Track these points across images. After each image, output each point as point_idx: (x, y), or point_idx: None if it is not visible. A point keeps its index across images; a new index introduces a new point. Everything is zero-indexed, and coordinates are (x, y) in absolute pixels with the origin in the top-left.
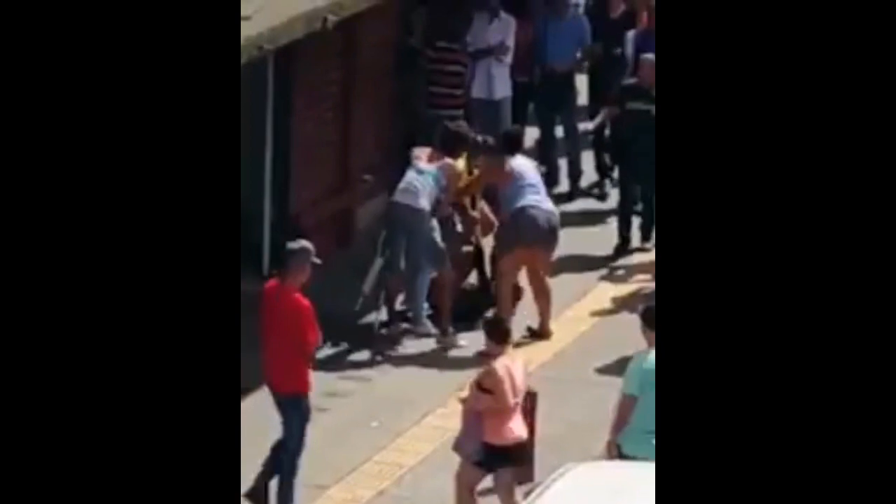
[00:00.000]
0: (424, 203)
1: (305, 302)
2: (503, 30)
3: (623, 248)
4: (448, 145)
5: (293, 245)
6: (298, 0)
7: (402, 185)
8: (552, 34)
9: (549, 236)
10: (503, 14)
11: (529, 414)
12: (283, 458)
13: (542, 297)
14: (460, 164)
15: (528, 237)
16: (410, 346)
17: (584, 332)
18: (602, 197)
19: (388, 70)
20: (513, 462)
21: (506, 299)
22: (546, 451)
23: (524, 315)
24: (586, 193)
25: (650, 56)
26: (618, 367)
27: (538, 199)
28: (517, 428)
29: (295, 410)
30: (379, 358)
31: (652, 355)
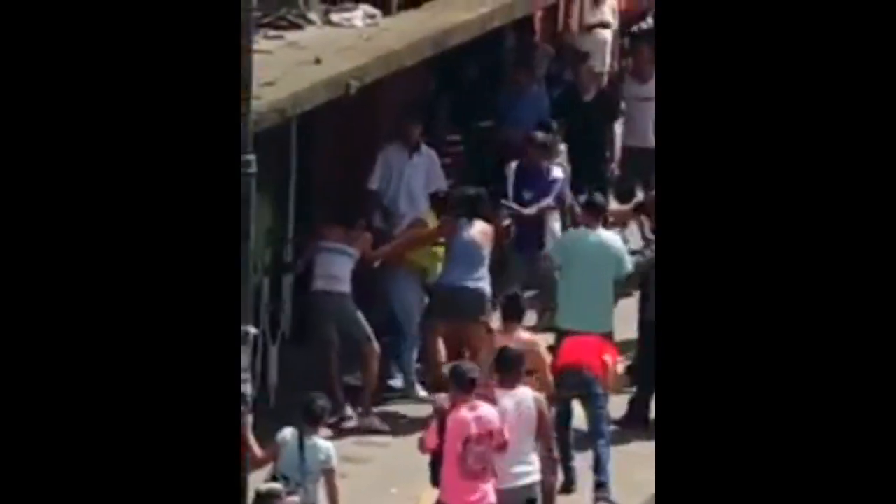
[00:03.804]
0: (347, 286)
1: None
2: (430, 167)
3: None
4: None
5: None
6: (322, 66)
7: (320, 270)
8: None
9: (462, 312)
10: (423, 147)
11: None
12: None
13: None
14: (431, 220)
15: (442, 313)
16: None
17: None
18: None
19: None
20: None
21: (433, 355)
22: None
23: None
24: None
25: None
26: None
27: (460, 277)
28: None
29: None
30: (396, 422)
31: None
